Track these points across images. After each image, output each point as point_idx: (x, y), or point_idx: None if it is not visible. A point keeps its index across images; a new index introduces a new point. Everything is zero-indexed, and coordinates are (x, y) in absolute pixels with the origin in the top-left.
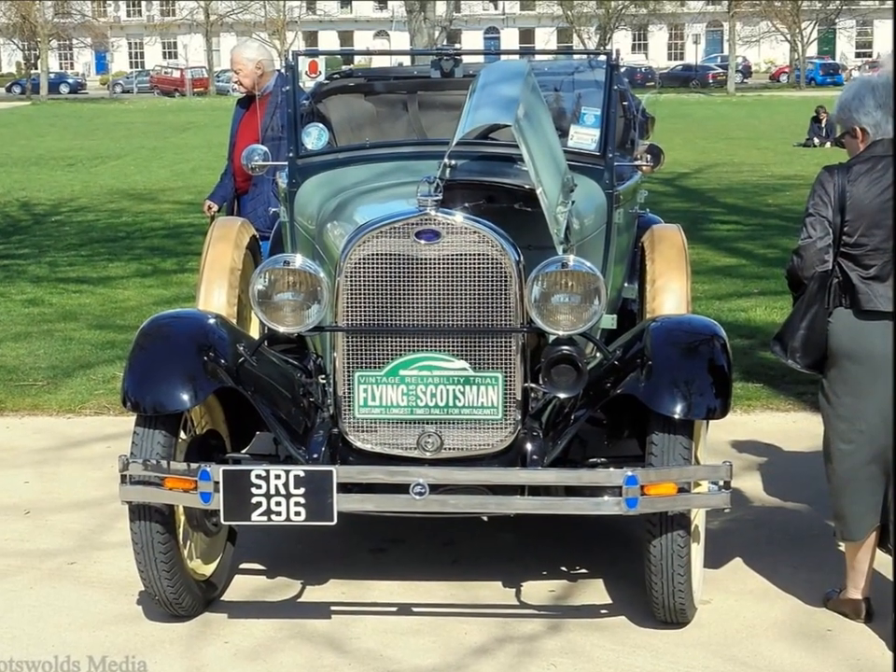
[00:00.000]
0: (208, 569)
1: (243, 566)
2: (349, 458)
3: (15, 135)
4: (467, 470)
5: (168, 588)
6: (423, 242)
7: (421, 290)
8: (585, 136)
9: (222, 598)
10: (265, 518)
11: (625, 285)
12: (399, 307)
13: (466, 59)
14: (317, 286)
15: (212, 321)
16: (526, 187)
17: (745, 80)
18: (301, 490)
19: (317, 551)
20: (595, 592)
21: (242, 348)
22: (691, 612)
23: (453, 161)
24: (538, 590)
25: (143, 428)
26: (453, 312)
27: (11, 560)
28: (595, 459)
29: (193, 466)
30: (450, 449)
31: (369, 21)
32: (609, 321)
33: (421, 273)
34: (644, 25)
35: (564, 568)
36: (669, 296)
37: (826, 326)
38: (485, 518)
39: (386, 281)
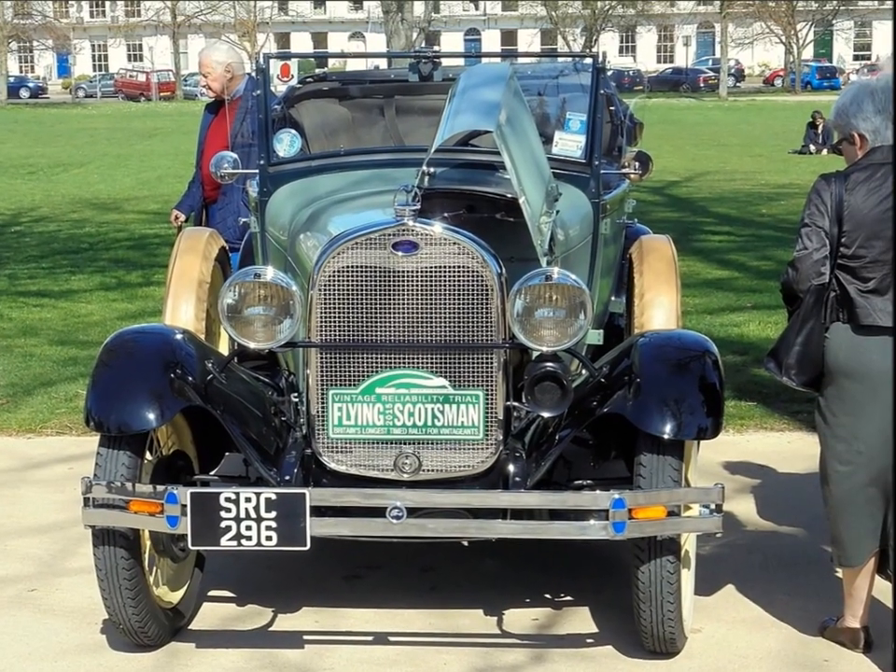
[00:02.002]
0: (175, 597)
1: (211, 593)
2: (323, 480)
3: None
4: (446, 493)
5: (133, 616)
6: (400, 253)
7: (398, 304)
8: (570, 143)
9: (190, 627)
10: (235, 543)
11: (612, 298)
12: (376, 322)
13: (445, 62)
14: (290, 299)
15: (179, 337)
16: (509, 196)
17: (738, 84)
18: (273, 514)
19: (289, 577)
20: (580, 620)
21: (210, 365)
22: (681, 642)
23: (431, 169)
24: (520, 618)
25: (107, 449)
26: (431, 327)
27: None
28: (580, 481)
29: (160, 488)
30: (428, 470)
31: (343, 23)
32: (596, 336)
33: (398, 286)
34: (632, 26)
35: (548, 596)
36: (658, 310)
37: (823, 341)
38: (466, 543)
39: (362, 295)
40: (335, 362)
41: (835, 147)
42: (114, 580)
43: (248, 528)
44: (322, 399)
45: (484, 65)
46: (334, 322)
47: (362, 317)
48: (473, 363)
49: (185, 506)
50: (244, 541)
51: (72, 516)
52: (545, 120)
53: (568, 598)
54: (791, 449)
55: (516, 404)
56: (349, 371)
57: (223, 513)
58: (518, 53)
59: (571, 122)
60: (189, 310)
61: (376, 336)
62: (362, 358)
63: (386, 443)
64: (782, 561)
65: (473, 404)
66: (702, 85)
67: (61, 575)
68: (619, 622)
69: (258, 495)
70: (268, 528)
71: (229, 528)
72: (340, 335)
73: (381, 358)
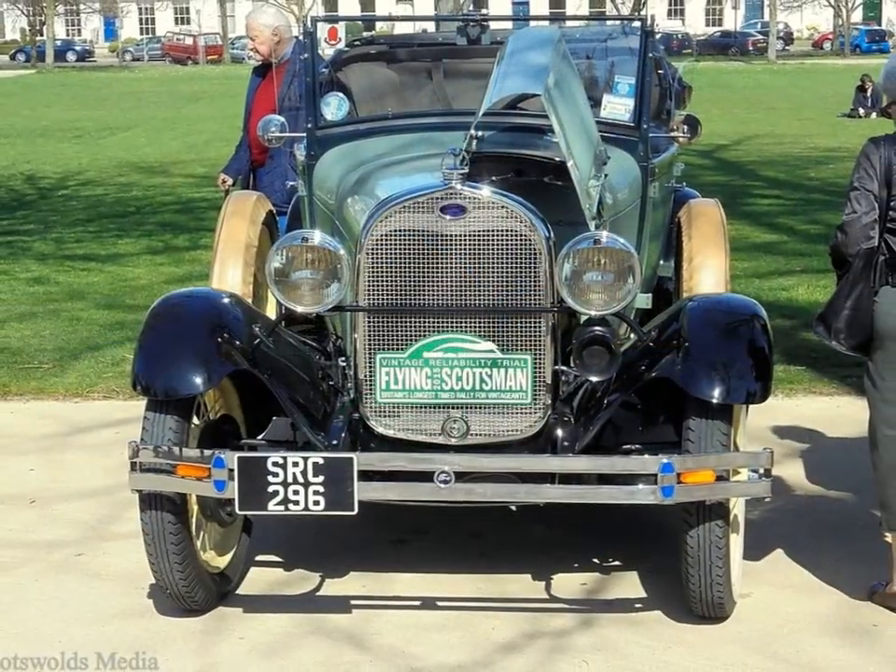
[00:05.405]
0: (222, 561)
1: (258, 557)
2: (370, 445)
3: (19, 105)
4: (494, 457)
5: (180, 581)
6: (448, 217)
7: (446, 268)
8: (619, 106)
9: (237, 592)
10: (282, 507)
11: (661, 262)
12: (423, 286)
13: (493, 25)
14: (337, 263)
15: (226, 300)
16: (557, 159)
17: (786, 48)
18: (320, 478)
19: (337, 542)
20: (628, 585)
21: (258, 329)
22: (729, 606)
23: (479, 133)
24: (569, 583)
25: (154, 413)
26: (479, 291)
27: (16, 552)
28: (628, 446)
29: (207, 453)
30: (476, 435)
31: None
32: (644, 301)
33: (446, 249)
34: None
35: (596, 560)
36: (707, 274)
37: (872, 305)
38: (514, 508)
39: (410, 258)
40: (383, 326)
41: (884, 110)
42: (161, 544)
43: (296, 493)
44: (370, 363)
45: (532, 28)
46: (382, 286)
47: (410, 281)
48: (521, 327)
49: (232, 470)
50: (291, 506)
51: (119, 481)
52: (593, 84)
53: (616, 563)
54: (840, 413)
55: (564, 368)
56: (397, 335)
57: (270, 478)
58: (566, 16)
59: (620, 86)
60: (237, 274)
61: (424, 300)
62: (410, 322)
63: (434, 408)
64: (831, 525)
65: (521, 368)
66: (751, 48)
67: (108, 540)
68: (667, 587)
69: (305, 459)
70: (315, 493)
71: (276, 493)
72: (387, 299)
73: (429, 322)
